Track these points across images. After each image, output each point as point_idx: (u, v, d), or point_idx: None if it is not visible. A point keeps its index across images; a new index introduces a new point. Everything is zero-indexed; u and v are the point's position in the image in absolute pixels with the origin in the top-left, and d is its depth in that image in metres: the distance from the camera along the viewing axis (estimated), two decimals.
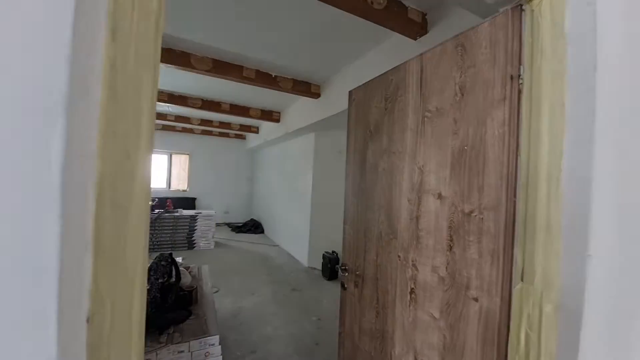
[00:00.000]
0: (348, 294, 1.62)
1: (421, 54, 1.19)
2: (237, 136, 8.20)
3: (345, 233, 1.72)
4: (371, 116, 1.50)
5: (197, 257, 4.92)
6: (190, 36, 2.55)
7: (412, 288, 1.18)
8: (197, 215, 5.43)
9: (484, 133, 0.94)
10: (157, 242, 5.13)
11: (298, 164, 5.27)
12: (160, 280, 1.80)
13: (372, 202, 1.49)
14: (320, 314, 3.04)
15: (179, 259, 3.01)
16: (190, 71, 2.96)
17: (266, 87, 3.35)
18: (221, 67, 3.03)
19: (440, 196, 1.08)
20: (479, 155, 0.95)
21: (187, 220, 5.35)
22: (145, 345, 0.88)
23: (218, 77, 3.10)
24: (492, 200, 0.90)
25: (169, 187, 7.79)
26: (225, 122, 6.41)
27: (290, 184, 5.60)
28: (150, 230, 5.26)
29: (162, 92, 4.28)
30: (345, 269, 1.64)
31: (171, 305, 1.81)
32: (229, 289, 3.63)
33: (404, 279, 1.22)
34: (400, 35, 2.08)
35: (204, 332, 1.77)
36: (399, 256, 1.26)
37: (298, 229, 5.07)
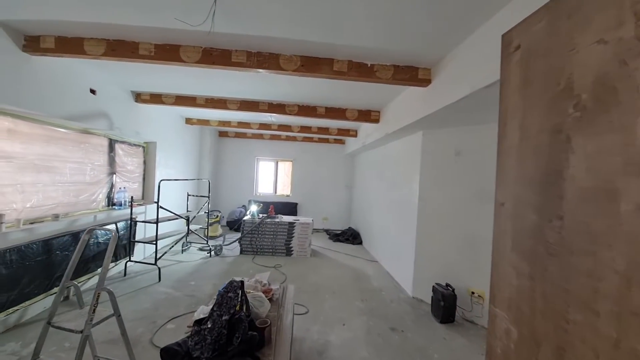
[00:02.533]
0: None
1: None
2: (337, 141, 8.01)
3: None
4: (580, 70, 0.70)
5: (293, 264, 4.83)
6: (274, 32, 2.28)
7: None
8: (295, 223, 5.40)
9: None
10: (259, 246, 5.35)
11: (400, 169, 4.48)
12: (224, 317, 1.50)
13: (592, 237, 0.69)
14: None
15: (265, 276, 2.81)
16: (280, 73, 2.73)
17: (361, 80, 2.80)
18: (310, 64, 2.68)
19: None
20: None
21: (285, 226, 5.39)
22: None
23: (308, 76, 2.76)
24: None
25: (275, 192, 8.32)
26: (323, 127, 6.24)
27: (391, 192, 4.84)
28: (254, 234, 5.66)
29: (262, 102, 4.38)
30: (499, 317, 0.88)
31: (236, 348, 1.48)
32: (318, 311, 3.23)
33: None
34: None
35: None
36: None
37: (400, 246, 4.26)
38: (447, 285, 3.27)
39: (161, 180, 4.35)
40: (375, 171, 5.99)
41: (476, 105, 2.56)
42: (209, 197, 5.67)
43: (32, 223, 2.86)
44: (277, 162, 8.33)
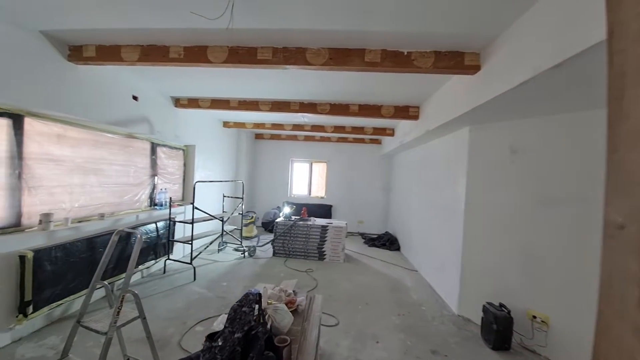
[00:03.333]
0: None
1: None
2: (372, 141, 7.66)
3: None
4: None
5: (325, 269, 4.63)
6: (299, 23, 2.11)
7: None
8: (327, 226, 5.21)
9: None
10: (292, 249, 5.25)
11: (443, 169, 4.04)
12: (237, 335, 1.35)
13: None
14: None
15: (292, 284, 2.64)
16: (308, 68, 2.56)
17: (397, 71, 2.51)
18: (339, 57, 2.47)
19: None
20: None
21: (318, 230, 5.22)
22: None
23: (337, 69, 2.55)
24: None
25: (309, 194, 8.22)
26: (357, 127, 5.97)
27: (433, 195, 4.40)
28: (286, 237, 5.59)
29: (293, 102, 4.27)
30: None
31: None
32: (350, 324, 2.99)
33: None
34: None
35: None
36: None
37: (444, 256, 3.83)
38: (501, 305, 2.80)
39: (196, 182, 4.47)
40: (414, 172, 5.55)
41: (538, 93, 2.12)
42: (242, 198, 5.74)
43: (79, 222, 3.06)
44: (311, 164, 8.23)
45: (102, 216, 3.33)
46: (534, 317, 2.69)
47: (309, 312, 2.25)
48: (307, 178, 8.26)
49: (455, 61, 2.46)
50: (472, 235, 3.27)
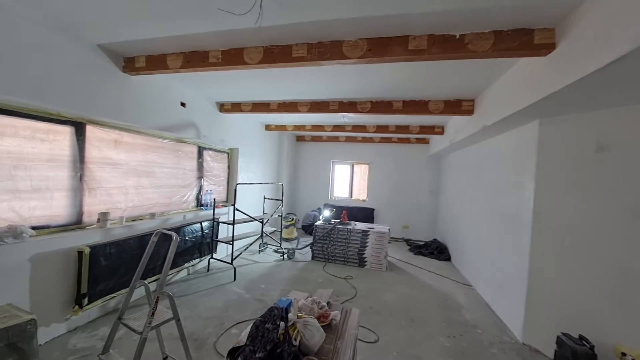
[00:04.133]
0: None
1: None
2: (419, 141, 7.13)
3: None
4: None
5: (366, 277, 4.36)
6: (333, 13, 1.94)
7: None
8: (369, 231, 4.93)
9: None
10: (331, 254, 5.08)
11: (504, 171, 3.49)
12: (258, 355, 1.22)
13: None
14: None
15: (326, 294, 2.46)
16: (345, 63, 2.38)
17: (448, 58, 2.19)
18: (379, 47, 2.23)
19: None
20: None
21: (358, 234, 4.97)
22: None
23: (377, 62, 2.32)
24: None
25: (351, 197, 7.98)
26: (402, 126, 5.57)
27: (491, 200, 3.85)
28: (325, 241, 5.43)
29: (332, 101, 4.12)
30: None
31: None
32: (391, 342, 2.70)
33: None
34: None
35: None
36: None
37: (505, 271, 3.30)
38: (582, 338, 2.27)
39: (237, 184, 4.57)
40: (468, 174, 4.97)
41: (638, 72, 1.64)
42: (282, 200, 5.75)
43: (133, 220, 3.30)
44: (352, 165, 7.99)
45: (152, 215, 3.56)
46: (624, 354, 2.12)
47: (344, 329, 2.04)
48: (348, 180, 8.04)
49: (521, 41, 2.05)
50: (542, 250, 2.74)
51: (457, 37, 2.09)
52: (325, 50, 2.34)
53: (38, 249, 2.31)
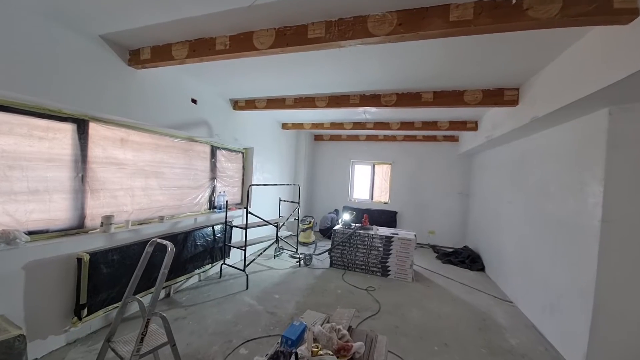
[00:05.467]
0: None
1: None
2: (447, 138, 6.58)
3: None
4: None
5: (390, 289, 3.94)
6: None
7: None
8: (392, 237, 4.50)
9: None
10: (351, 261, 4.70)
11: (557, 170, 2.97)
12: None
13: None
14: None
15: (348, 315, 2.10)
16: (370, 42, 2.01)
17: (501, 30, 1.76)
18: (412, 20, 1.85)
19: None
20: None
21: (381, 241, 4.55)
22: None
23: (409, 39, 1.94)
24: None
25: (372, 199, 7.54)
26: (429, 122, 5.09)
27: (538, 204, 3.31)
28: (344, 247, 5.05)
29: (352, 94, 3.75)
30: None
31: None
32: None
33: None
34: None
35: None
36: None
37: (559, 289, 2.78)
38: None
39: (250, 186, 4.31)
40: (506, 174, 4.41)
41: None
42: (298, 202, 5.44)
43: (140, 224, 3.11)
44: (373, 165, 7.55)
45: (161, 219, 3.36)
46: None
47: (372, 351, 1.67)
48: (369, 181, 7.60)
49: (598, 4, 1.59)
50: (613, 266, 2.22)
51: (514, 1, 1.66)
52: (346, 27, 1.98)
53: (34, 256, 2.13)
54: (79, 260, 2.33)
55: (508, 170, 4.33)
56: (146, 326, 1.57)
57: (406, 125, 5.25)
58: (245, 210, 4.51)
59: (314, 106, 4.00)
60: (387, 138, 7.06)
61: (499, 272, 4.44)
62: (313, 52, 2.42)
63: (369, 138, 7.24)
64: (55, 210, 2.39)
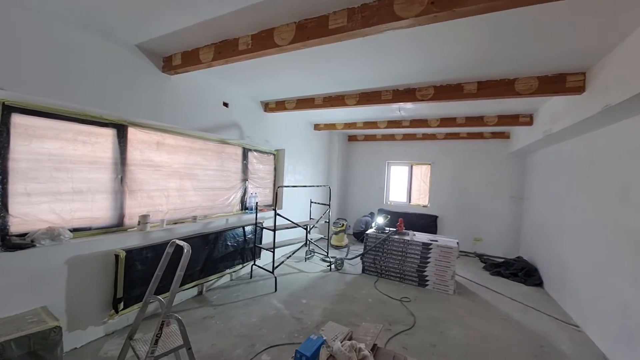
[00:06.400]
0: None
1: None
2: (495, 135, 5.91)
3: None
4: None
5: (427, 301, 3.60)
6: None
7: None
8: (431, 244, 4.12)
9: None
10: (384, 267, 4.42)
11: (637, 169, 2.41)
12: None
13: None
14: None
15: (374, 331, 1.90)
16: (398, 27, 1.81)
17: None
18: None
19: None
20: None
21: (418, 248, 4.20)
22: None
23: (444, 19, 1.69)
24: None
25: (409, 202, 7.10)
26: (473, 117, 4.60)
27: (613, 212, 2.74)
28: (377, 252, 4.76)
29: (384, 90, 3.51)
30: None
31: None
32: None
33: None
34: None
35: None
36: None
37: None
38: None
39: (279, 187, 4.28)
40: (571, 176, 3.77)
41: None
42: (329, 205, 5.29)
43: (174, 224, 3.23)
44: (411, 166, 7.11)
45: (194, 219, 3.47)
46: None
47: None
48: (406, 183, 7.18)
49: None
50: None
51: None
52: (371, 13, 1.80)
53: (76, 252, 2.30)
54: (116, 256, 2.47)
55: (572, 171, 3.69)
56: (160, 328, 1.55)
57: (447, 121, 4.81)
58: (279, 210, 4.51)
59: (344, 104, 3.83)
60: (426, 137, 6.59)
61: (561, 289, 3.80)
62: (336, 45, 2.28)
63: (406, 137, 6.83)
64: (97, 209, 2.57)
